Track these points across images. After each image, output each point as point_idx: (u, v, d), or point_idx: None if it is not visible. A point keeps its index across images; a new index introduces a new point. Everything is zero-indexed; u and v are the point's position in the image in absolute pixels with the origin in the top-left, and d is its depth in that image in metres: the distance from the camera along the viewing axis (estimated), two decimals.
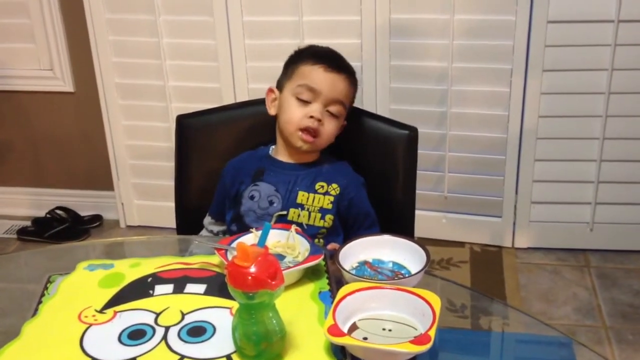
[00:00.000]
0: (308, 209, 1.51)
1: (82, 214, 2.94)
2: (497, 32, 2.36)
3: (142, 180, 2.81)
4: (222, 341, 1.04)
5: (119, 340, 1.06)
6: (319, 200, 1.52)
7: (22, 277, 1.37)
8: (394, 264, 1.21)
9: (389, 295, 1.09)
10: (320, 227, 1.52)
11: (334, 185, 1.53)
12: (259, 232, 1.17)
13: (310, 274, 1.20)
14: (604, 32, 2.30)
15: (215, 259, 1.25)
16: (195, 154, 1.68)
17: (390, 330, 1.05)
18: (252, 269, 0.95)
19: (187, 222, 1.69)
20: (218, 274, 1.22)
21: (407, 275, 1.17)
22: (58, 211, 2.91)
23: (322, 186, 1.53)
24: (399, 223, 1.59)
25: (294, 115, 1.51)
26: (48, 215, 2.92)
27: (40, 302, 1.16)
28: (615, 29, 2.28)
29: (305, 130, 1.50)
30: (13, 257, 1.79)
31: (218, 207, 1.61)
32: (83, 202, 2.96)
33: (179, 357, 1.02)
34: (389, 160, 1.59)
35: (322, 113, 1.51)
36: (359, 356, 1.00)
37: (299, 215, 1.51)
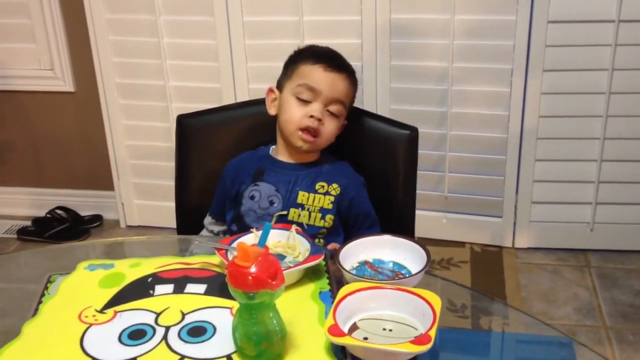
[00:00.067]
0: (308, 209, 1.51)
1: (82, 213, 2.94)
2: (497, 32, 2.36)
3: (143, 180, 2.81)
4: (223, 341, 1.04)
5: (119, 340, 1.06)
6: (319, 200, 1.52)
7: (22, 277, 1.37)
8: (395, 264, 1.21)
9: (389, 295, 1.09)
10: (320, 227, 1.51)
11: (335, 185, 1.53)
12: (260, 232, 1.16)
13: (310, 274, 1.20)
14: (605, 32, 2.30)
15: (216, 259, 1.25)
16: (196, 154, 1.68)
17: (390, 330, 1.05)
18: (253, 269, 0.95)
19: (188, 222, 1.69)
20: (218, 274, 1.22)
21: (407, 275, 1.17)
22: (58, 211, 2.91)
23: (323, 186, 1.53)
24: (399, 223, 1.59)
25: (294, 115, 1.51)
26: (48, 215, 2.92)
27: (40, 302, 1.16)
28: (615, 29, 2.28)
29: (306, 129, 1.50)
30: (13, 257, 1.78)
31: (218, 207, 1.61)
32: (83, 202, 2.96)
33: (179, 357, 1.02)
34: (390, 160, 1.59)
35: (322, 113, 1.51)
36: (359, 356, 1.00)
37: (299, 215, 1.51)
